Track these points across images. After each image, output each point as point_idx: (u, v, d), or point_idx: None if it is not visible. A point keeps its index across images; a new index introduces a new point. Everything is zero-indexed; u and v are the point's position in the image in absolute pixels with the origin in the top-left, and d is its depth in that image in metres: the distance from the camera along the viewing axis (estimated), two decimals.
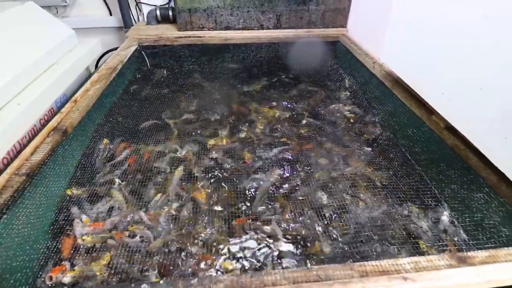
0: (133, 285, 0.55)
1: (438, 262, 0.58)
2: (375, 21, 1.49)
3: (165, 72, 1.68)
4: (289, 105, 1.38)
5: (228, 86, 1.55)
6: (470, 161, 0.84)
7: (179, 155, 1.04)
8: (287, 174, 0.98)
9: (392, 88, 1.22)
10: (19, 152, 0.89)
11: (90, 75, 1.42)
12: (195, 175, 0.96)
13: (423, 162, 1.00)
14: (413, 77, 1.04)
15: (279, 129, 1.21)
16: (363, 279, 0.55)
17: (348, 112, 1.33)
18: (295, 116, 1.30)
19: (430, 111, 1.00)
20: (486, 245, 0.66)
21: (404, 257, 0.59)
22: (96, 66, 1.91)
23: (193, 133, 1.16)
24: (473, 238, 0.69)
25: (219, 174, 0.97)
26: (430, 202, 0.85)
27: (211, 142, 1.11)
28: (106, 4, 1.99)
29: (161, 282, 0.55)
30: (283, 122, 1.25)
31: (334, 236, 0.77)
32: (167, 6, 1.91)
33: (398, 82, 1.21)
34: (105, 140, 1.07)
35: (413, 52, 1.03)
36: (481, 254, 0.59)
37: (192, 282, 0.55)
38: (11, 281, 0.65)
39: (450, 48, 0.85)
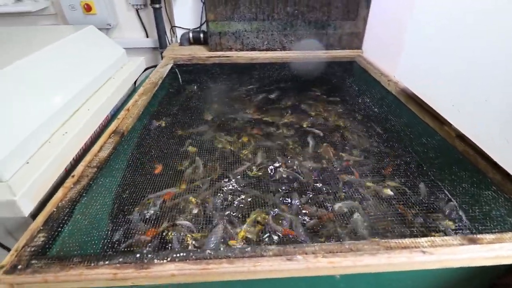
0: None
1: (451, 242, 0.68)
2: (390, 44, 1.65)
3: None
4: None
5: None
6: (479, 165, 0.95)
7: None
8: None
9: (406, 103, 1.36)
10: (85, 150, 1.05)
11: (134, 88, 1.60)
12: None
13: (436, 166, 1.11)
14: (426, 92, 1.17)
15: None
16: (388, 251, 0.66)
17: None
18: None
19: (442, 122, 1.13)
20: (493, 231, 0.76)
21: (422, 237, 0.70)
22: (135, 82, 2.11)
23: None
24: (482, 225, 0.80)
25: None
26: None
27: None
28: (144, 27, 2.23)
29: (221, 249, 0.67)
30: None
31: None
32: (198, 30, 2.13)
33: (412, 98, 1.34)
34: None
35: (427, 70, 1.17)
36: (489, 236, 0.69)
37: (247, 250, 0.67)
38: (93, 246, 0.80)
39: (459, 66, 0.98)
